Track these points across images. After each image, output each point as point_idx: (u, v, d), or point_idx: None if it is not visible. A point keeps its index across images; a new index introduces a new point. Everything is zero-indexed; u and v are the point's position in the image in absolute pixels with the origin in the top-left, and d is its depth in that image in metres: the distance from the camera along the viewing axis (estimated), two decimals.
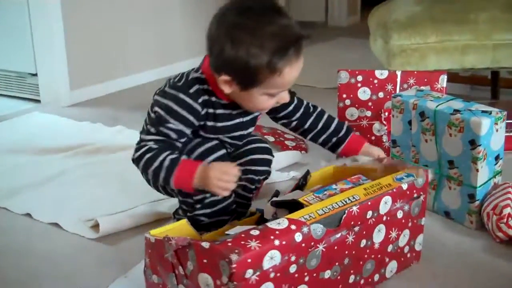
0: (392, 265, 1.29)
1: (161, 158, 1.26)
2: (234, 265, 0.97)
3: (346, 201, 1.16)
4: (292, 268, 1.06)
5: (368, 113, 1.91)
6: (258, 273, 1.01)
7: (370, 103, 1.91)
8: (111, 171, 1.90)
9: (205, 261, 1.03)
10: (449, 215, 1.56)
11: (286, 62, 1.21)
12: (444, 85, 1.89)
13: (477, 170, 1.46)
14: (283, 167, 1.90)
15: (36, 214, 1.62)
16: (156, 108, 1.32)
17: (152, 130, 1.31)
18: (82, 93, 2.79)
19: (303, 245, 1.06)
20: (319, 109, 1.52)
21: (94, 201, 1.68)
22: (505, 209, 1.40)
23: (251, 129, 1.43)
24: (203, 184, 1.23)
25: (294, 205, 1.20)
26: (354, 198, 1.17)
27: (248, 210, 1.49)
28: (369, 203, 1.17)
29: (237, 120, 1.38)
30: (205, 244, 1.02)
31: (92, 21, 2.81)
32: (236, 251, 0.98)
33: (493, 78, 2.63)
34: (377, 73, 1.91)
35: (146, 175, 1.33)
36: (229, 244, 1.00)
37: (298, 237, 1.05)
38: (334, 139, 1.50)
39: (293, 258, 1.05)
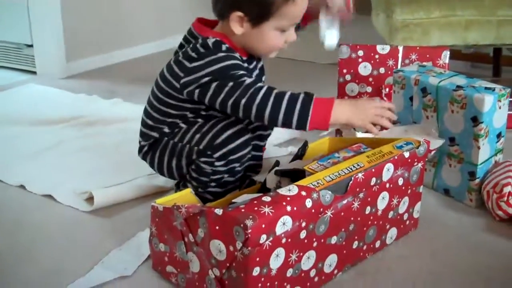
0: (392, 232, 1.32)
1: (288, 93, 1.21)
2: (249, 231, 0.97)
3: (351, 168, 1.17)
4: (302, 234, 1.08)
5: (369, 89, 1.88)
6: (271, 238, 1.02)
7: (370, 79, 1.88)
8: (106, 143, 1.88)
9: (217, 227, 1.03)
10: (449, 193, 1.54)
11: None
12: (447, 61, 1.86)
13: (479, 148, 1.44)
14: (281, 142, 1.87)
15: (30, 186, 1.60)
16: (206, 79, 1.26)
17: (230, 83, 1.23)
18: (78, 65, 2.76)
19: (313, 211, 1.08)
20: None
21: (89, 173, 1.66)
22: (505, 187, 1.38)
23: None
24: (351, 117, 1.21)
25: (296, 174, 1.22)
26: (358, 165, 1.19)
27: (259, 171, 1.48)
28: (373, 170, 1.19)
29: (254, 74, 1.39)
30: (218, 211, 1.02)
31: None
32: (251, 216, 0.98)
33: (495, 56, 2.60)
34: (379, 48, 1.88)
35: (275, 118, 1.22)
36: (243, 210, 1.00)
37: (308, 203, 1.06)
38: None
39: (303, 224, 1.07)
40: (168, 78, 1.33)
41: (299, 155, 1.37)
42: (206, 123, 1.32)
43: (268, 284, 1.05)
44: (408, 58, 1.86)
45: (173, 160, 1.37)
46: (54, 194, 1.55)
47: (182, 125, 1.35)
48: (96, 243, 1.34)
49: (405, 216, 1.34)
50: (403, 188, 1.29)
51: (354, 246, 1.22)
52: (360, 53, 1.88)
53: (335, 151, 1.29)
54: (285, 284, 1.08)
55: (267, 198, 1.04)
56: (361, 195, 1.18)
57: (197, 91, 1.28)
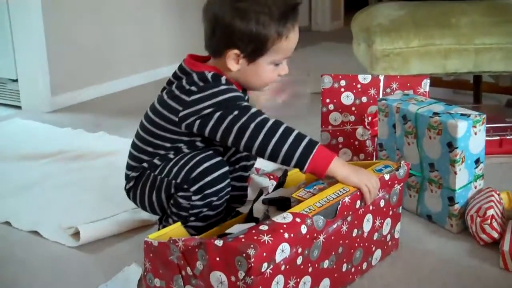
0: (377, 253, 1.36)
1: (296, 131, 1.24)
2: (252, 260, 0.99)
3: (338, 193, 1.21)
4: (299, 260, 1.10)
5: (352, 118, 1.91)
6: (271, 266, 1.03)
7: (353, 108, 1.91)
8: (92, 177, 1.88)
9: (217, 259, 1.04)
10: (431, 218, 1.56)
11: (290, 26, 1.31)
12: (427, 89, 1.89)
13: (455, 173, 1.46)
14: (270, 171, 1.88)
15: (16, 222, 1.60)
16: (208, 110, 1.27)
17: (235, 112, 1.25)
18: (63, 98, 2.76)
19: (308, 236, 1.10)
20: None
21: (74, 208, 1.66)
22: (488, 210, 1.40)
23: None
24: (350, 173, 1.23)
25: (282, 202, 1.26)
26: (344, 190, 1.22)
27: (244, 202, 1.48)
28: (358, 193, 1.23)
29: None
30: (219, 242, 1.04)
31: (73, 26, 2.79)
32: (252, 246, 1.00)
33: (475, 83, 2.64)
34: (360, 77, 1.91)
35: (276, 153, 1.24)
36: (243, 240, 1.02)
37: (303, 229, 1.08)
38: None
39: (299, 250, 1.09)
40: (163, 113, 1.33)
41: (281, 183, 1.38)
42: (184, 156, 1.32)
43: None
44: (389, 87, 1.89)
45: (153, 194, 1.37)
46: (40, 230, 1.54)
47: (172, 156, 1.35)
48: (83, 279, 1.33)
49: (388, 237, 1.38)
50: (385, 209, 1.34)
51: (344, 269, 1.25)
52: (343, 83, 1.90)
53: (318, 178, 1.31)
54: None
55: (264, 227, 1.06)
56: (348, 218, 1.22)
57: (197, 122, 1.28)
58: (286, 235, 1.05)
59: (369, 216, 1.28)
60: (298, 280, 1.11)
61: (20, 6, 2.61)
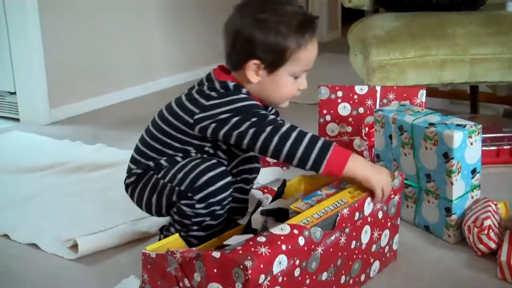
0: (376, 265, 1.36)
1: (310, 134, 1.25)
2: (249, 272, 0.99)
3: (336, 205, 1.21)
4: (296, 272, 1.10)
5: (349, 129, 1.92)
6: (269, 278, 1.03)
7: (350, 119, 1.92)
8: (90, 189, 1.89)
9: (215, 270, 1.04)
10: (429, 229, 1.56)
11: (308, 38, 1.32)
12: (423, 100, 1.90)
13: (452, 184, 1.47)
14: (265, 183, 1.89)
15: (14, 235, 1.60)
16: (226, 115, 1.29)
17: (253, 119, 1.27)
18: (61, 111, 2.77)
19: (305, 248, 1.10)
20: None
21: (73, 220, 1.66)
22: (485, 221, 1.41)
23: None
24: (370, 174, 1.25)
25: (280, 213, 1.26)
26: (342, 201, 1.23)
27: (244, 214, 1.49)
28: (356, 205, 1.23)
29: None
30: (216, 254, 1.04)
31: (71, 39, 2.80)
32: (249, 257, 1.00)
33: (472, 93, 2.65)
34: (357, 88, 1.92)
35: (291, 156, 1.25)
36: (240, 252, 1.02)
37: (301, 240, 1.09)
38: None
39: (297, 262, 1.09)
40: (178, 113, 1.35)
41: (279, 194, 1.39)
42: (189, 162, 1.33)
43: None
44: (386, 98, 1.90)
45: (153, 197, 1.37)
46: (38, 243, 1.54)
47: (180, 159, 1.36)
48: None
49: (387, 249, 1.38)
50: (383, 221, 1.34)
51: (342, 281, 1.25)
52: (339, 94, 1.92)
53: (317, 189, 1.32)
54: None
55: (262, 238, 1.06)
56: (347, 230, 1.22)
57: (212, 125, 1.29)
58: (284, 247, 1.05)
59: (367, 228, 1.28)
60: None
61: (19, 20, 2.62)
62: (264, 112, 1.30)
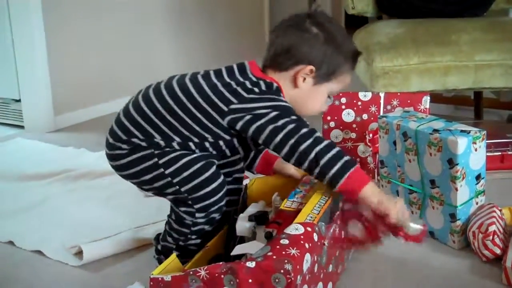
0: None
1: (337, 148, 1.26)
2: (292, 275, 1.01)
3: (324, 199, 1.26)
4: (316, 268, 1.13)
5: (353, 135, 1.92)
6: (301, 277, 1.05)
7: (354, 125, 1.92)
8: (95, 196, 1.89)
9: (250, 281, 1.04)
10: (434, 235, 1.56)
11: (354, 66, 1.43)
12: (427, 106, 1.90)
13: (456, 189, 1.46)
14: None
15: (19, 242, 1.60)
16: (265, 110, 1.29)
17: (293, 117, 1.28)
18: (66, 118, 2.78)
19: (319, 243, 1.14)
20: None
21: (77, 227, 1.66)
22: (490, 226, 1.41)
23: None
24: (384, 200, 1.24)
25: (261, 217, 1.27)
26: (326, 196, 1.28)
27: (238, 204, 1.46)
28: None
29: None
30: (250, 264, 1.04)
31: (76, 46, 2.82)
32: (286, 261, 1.02)
33: (476, 98, 2.65)
34: (361, 95, 1.93)
35: (316, 163, 1.25)
36: (274, 257, 1.04)
37: (315, 236, 1.12)
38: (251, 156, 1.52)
39: (315, 258, 1.12)
40: (211, 98, 1.30)
41: (244, 199, 1.41)
42: (195, 162, 1.29)
43: None
44: (389, 104, 1.90)
45: (145, 176, 1.32)
46: (43, 249, 1.54)
47: (192, 145, 1.31)
48: None
49: None
50: None
51: (339, 270, 1.31)
52: (343, 100, 1.92)
53: (293, 187, 1.36)
54: None
55: (285, 241, 1.08)
56: (338, 222, 1.28)
57: (247, 117, 1.28)
58: (307, 245, 1.08)
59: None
60: (316, 286, 1.14)
61: (23, 26, 2.63)
62: (299, 116, 1.30)
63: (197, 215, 1.31)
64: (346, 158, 1.25)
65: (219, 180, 1.30)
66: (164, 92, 1.34)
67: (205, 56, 3.55)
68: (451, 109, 2.91)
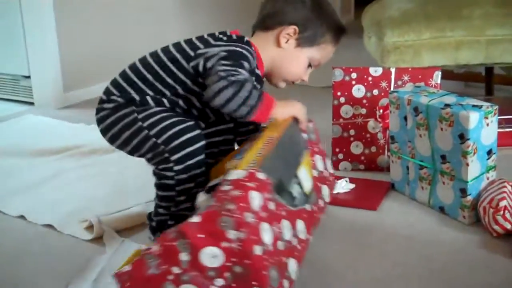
0: (325, 190, 1.43)
1: (250, 86, 1.30)
2: (237, 212, 0.99)
3: (268, 142, 1.24)
4: (271, 205, 1.10)
5: (363, 111, 1.91)
6: (253, 215, 1.02)
7: (364, 101, 1.91)
8: (105, 172, 1.90)
9: (201, 235, 1.00)
10: (444, 210, 1.56)
11: (337, 41, 1.52)
12: (439, 81, 1.89)
13: (467, 164, 1.46)
14: None
15: (31, 216, 1.61)
16: (228, 49, 1.36)
17: (230, 62, 1.33)
18: (76, 94, 2.78)
19: (267, 181, 1.11)
20: None
21: (88, 202, 1.67)
22: (501, 201, 1.40)
23: None
24: (287, 109, 1.34)
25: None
26: (270, 138, 1.25)
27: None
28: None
29: None
30: (195, 218, 1.01)
31: (85, 22, 2.81)
32: (226, 202, 1.00)
33: (487, 75, 2.63)
34: (372, 70, 1.91)
35: (235, 99, 1.29)
36: (216, 203, 1.02)
37: (261, 175, 1.10)
38: None
39: (267, 196, 1.09)
40: (182, 46, 1.40)
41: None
42: (170, 117, 1.34)
43: (271, 261, 1.03)
44: (400, 80, 1.89)
45: (125, 133, 1.37)
46: (54, 224, 1.56)
47: (164, 100, 1.37)
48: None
49: (327, 174, 1.47)
50: (310, 147, 1.41)
51: (309, 209, 1.29)
52: (354, 75, 1.90)
53: (234, 154, 1.33)
54: (283, 258, 1.08)
55: (227, 186, 1.05)
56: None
57: (205, 55, 1.35)
58: (252, 184, 1.05)
59: None
60: (279, 224, 1.11)
61: (33, 4, 2.63)
62: (245, 62, 1.33)
63: (176, 168, 1.31)
64: (256, 93, 1.29)
65: (195, 132, 1.33)
66: (147, 53, 1.46)
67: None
68: (461, 86, 2.88)
